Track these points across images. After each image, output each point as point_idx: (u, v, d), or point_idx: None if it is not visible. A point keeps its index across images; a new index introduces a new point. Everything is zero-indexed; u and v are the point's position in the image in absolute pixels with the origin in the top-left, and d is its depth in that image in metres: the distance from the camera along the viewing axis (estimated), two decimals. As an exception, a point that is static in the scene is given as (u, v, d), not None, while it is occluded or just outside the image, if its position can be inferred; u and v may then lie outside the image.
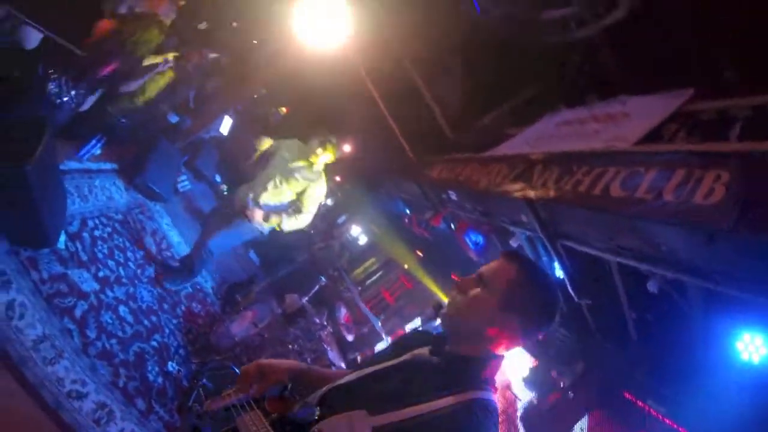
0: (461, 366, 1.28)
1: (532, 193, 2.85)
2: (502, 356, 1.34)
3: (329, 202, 10.71)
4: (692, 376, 2.84)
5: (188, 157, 5.99)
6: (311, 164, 4.53)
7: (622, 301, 2.99)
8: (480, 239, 3.84)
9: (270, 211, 4.28)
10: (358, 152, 7.52)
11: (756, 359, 2.39)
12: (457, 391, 1.18)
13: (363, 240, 9.12)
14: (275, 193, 4.33)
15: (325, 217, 10.43)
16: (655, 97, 3.04)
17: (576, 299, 3.23)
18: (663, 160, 2.21)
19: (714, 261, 1.91)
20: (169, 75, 4.70)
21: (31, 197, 2.65)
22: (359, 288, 7.94)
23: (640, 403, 3.33)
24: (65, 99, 3.42)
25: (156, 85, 4.58)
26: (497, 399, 1.29)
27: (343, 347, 5.07)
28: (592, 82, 3.93)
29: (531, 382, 3.94)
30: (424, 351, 1.36)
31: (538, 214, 2.93)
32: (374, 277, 8.84)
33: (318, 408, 1.22)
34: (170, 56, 4.64)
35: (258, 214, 4.15)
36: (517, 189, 3.04)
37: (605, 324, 3.49)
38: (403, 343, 1.48)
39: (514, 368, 4.36)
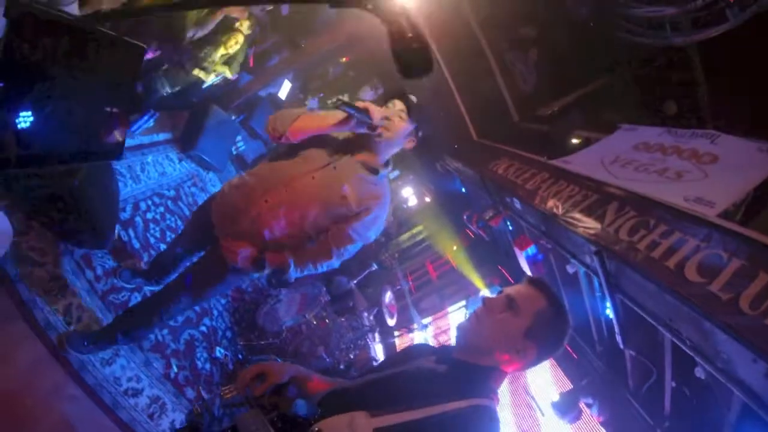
0: (468, 373, 1.36)
1: (602, 239, 2.86)
2: (508, 372, 1.43)
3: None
4: None
5: (244, 116, 6.10)
6: None
7: (665, 367, 3.04)
8: (538, 257, 3.88)
9: None
10: (420, 120, 7.38)
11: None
12: (462, 396, 1.25)
13: (413, 202, 9.15)
14: None
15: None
16: (751, 144, 2.91)
17: (621, 345, 3.29)
18: (751, 253, 2.16)
19: (768, 393, 1.89)
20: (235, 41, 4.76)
21: (85, 205, 2.82)
22: (401, 267, 8.02)
23: None
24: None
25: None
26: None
27: (383, 331, 5.31)
28: (673, 91, 3.77)
29: (559, 407, 4.09)
30: (430, 360, 1.44)
31: (603, 262, 2.94)
32: (420, 246, 8.97)
33: (318, 408, 1.29)
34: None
35: None
36: (586, 226, 3.03)
37: (643, 378, 3.56)
38: (408, 354, 1.58)
39: (547, 387, 4.54)
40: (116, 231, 3.47)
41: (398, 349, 5.19)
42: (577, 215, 3.18)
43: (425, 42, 1.60)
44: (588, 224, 3.04)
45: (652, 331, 3.03)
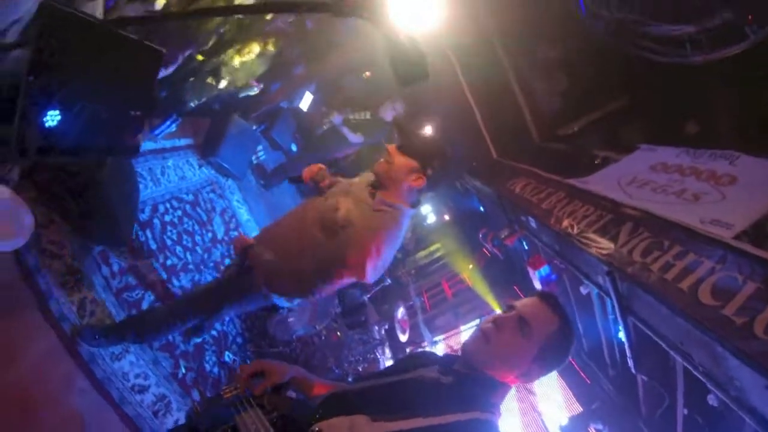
0: (470, 386, 1.32)
1: (615, 260, 2.80)
2: (511, 386, 1.40)
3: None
4: None
5: (265, 126, 6.18)
6: None
7: (678, 394, 2.95)
8: (551, 276, 3.84)
9: None
10: (440, 136, 7.46)
11: None
12: (464, 409, 1.22)
13: (431, 220, 9.15)
14: None
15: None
16: (770, 164, 2.85)
17: (633, 370, 3.21)
18: (764, 276, 2.09)
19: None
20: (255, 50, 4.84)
21: (106, 203, 2.90)
22: (417, 285, 8.01)
23: None
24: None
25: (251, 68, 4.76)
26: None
27: (395, 345, 5.27)
28: (694, 111, 3.71)
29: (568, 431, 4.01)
30: (433, 369, 1.40)
31: (616, 284, 2.88)
32: (437, 265, 8.92)
33: (319, 409, 1.28)
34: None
35: None
36: (599, 247, 2.98)
37: (655, 402, 3.46)
38: (412, 360, 1.54)
39: (557, 410, 4.46)
40: (134, 230, 3.53)
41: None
42: (591, 235, 3.14)
43: (420, 51, 1.61)
44: (601, 245, 2.99)
45: (664, 356, 2.95)
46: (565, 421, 4.10)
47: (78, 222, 2.99)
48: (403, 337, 5.40)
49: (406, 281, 6.46)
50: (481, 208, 5.71)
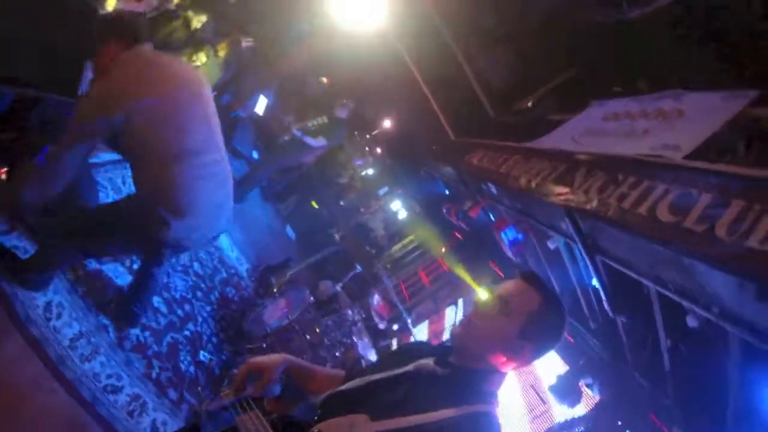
0: (466, 378, 1.29)
1: (572, 201, 2.71)
2: (506, 372, 1.36)
3: (370, 171, 10.68)
4: (721, 416, 2.70)
5: (224, 137, 5.99)
6: None
7: (658, 326, 2.84)
8: (518, 237, 3.71)
9: None
10: (399, 128, 7.42)
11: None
12: (461, 403, 1.19)
13: (402, 215, 9.05)
14: None
15: (366, 187, 10.44)
16: (715, 95, 2.77)
17: (611, 314, 3.10)
18: (719, 185, 2.01)
19: (764, 318, 1.73)
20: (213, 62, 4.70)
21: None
22: (394, 277, 7.92)
23: (665, 429, 3.23)
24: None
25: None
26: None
27: (375, 335, 5.10)
28: (644, 67, 3.65)
29: (557, 391, 3.87)
30: (429, 361, 1.36)
31: (577, 224, 2.78)
32: (412, 256, 8.78)
33: (319, 410, 1.25)
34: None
35: None
36: (557, 193, 2.89)
37: (639, 344, 3.36)
38: (407, 353, 1.49)
39: (542, 373, 4.33)
40: None
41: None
42: (549, 186, 3.04)
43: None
44: (559, 191, 2.90)
45: (638, 291, 2.85)
46: (553, 380, 3.95)
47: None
48: (382, 325, 5.21)
49: (381, 275, 6.30)
50: (446, 191, 5.59)
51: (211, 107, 2.64)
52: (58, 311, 2.80)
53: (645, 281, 2.43)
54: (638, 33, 3.56)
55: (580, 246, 2.83)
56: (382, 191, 9.80)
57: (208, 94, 2.68)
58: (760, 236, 1.63)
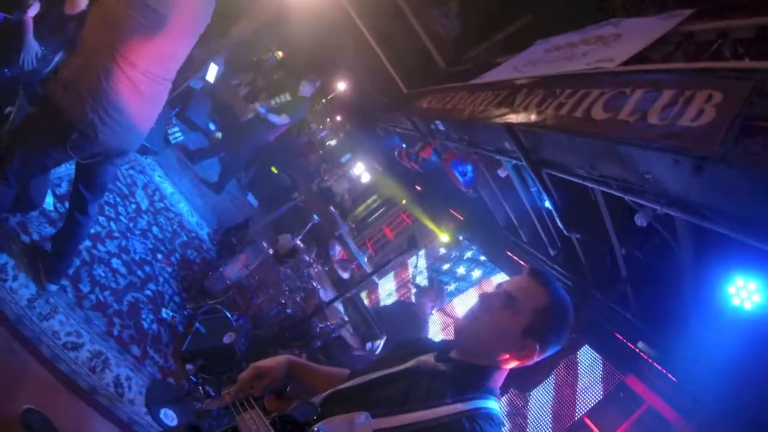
0: (467, 375, 1.26)
1: (512, 118, 2.71)
2: (507, 369, 1.31)
3: (333, 142, 10.56)
4: (683, 320, 2.78)
5: (178, 108, 5.82)
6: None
7: (610, 233, 2.87)
8: (468, 170, 3.70)
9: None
10: (354, 89, 7.30)
11: (748, 306, 2.27)
12: (462, 399, 1.16)
13: (366, 178, 8.98)
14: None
15: (329, 155, 10.33)
16: (652, 18, 2.81)
17: (565, 232, 3.12)
18: (651, 80, 2.02)
19: (702, 193, 1.74)
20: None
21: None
22: (352, 224, 7.90)
23: (630, 345, 3.28)
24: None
25: None
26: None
27: (339, 285, 5.06)
28: (590, 8, 3.63)
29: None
30: (430, 358, 1.32)
31: (519, 140, 2.76)
32: (376, 215, 8.76)
33: (319, 408, 1.22)
34: None
35: None
36: (498, 114, 2.88)
37: (596, 259, 3.40)
38: (408, 349, 1.44)
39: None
40: (47, 199, 3.25)
41: (368, 304, 4.98)
42: (491, 110, 3.03)
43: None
44: (499, 113, 2.89)
45: (589, 206, 2.86)
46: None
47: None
48: (346, 275, 5.17)
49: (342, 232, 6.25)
50: (404, 145, 5.53)
51: None
52: (14, 273, 2.75)
53: (589, 185, 2.43)
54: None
55: (524, 162, 2.81)
56: (344, 158, 9.70)
57: None
58: (691, 115, 1.64)
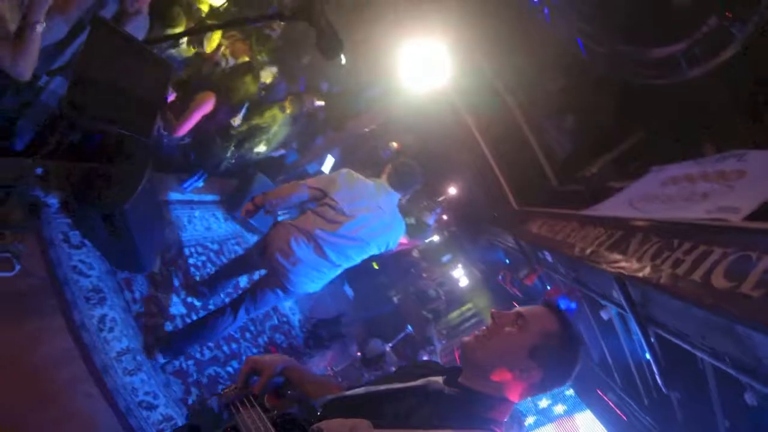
0: (471, 401, 1.27)
1: (624, 269, 2.53)
2: (513, 402, 1.31)
3: (435, 239, 10.65)
4: None
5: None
6: None
7: (714, 404, 2.54)
8: (570, 306, 3.51)
9: None
10: (464, 193, 7.42)
11: None
12: (463, 426, 1.19)
13: (464, 282, 8.86)
14: None
15: (430, 253, 10.38)
16: (781, 152, 2.58)
17: (664, 390, 2.80)
18: (780, 245, 1.83)
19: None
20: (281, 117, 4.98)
21: (130, 230, 2.95)
22: (443, 342, 7.67)
23: None
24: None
25: (279, 132, 4.91)
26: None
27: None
28: (708, 130, 3.47)
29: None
30: (439, 379, 1.33)
31: (628, 293, 2.60)
32: (468, 324, 8.49)
33: (321, 410, 1.26)
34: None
35: None
36: (609, 261, 2.72)
37: (696, 425, 2.98)
38: (417, 369, 1.48)
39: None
40: (157, 263, 3.55)
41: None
42: (603, 253, 2.89)
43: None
44: (612, 258, 2.74)
45: (693, 365, 2.56)
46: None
47: (103, 247, 3.14)
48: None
49: (433, 339, 6.08)
50: (507, 261, 5.44)
51: None
52: (111, 325, 3.00)
53: (699, 354, 2.20)
54: (699, 93, 3.42)
55: (631, 315, 2.63)
56: (445, 258, 9.70)
57: None
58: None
